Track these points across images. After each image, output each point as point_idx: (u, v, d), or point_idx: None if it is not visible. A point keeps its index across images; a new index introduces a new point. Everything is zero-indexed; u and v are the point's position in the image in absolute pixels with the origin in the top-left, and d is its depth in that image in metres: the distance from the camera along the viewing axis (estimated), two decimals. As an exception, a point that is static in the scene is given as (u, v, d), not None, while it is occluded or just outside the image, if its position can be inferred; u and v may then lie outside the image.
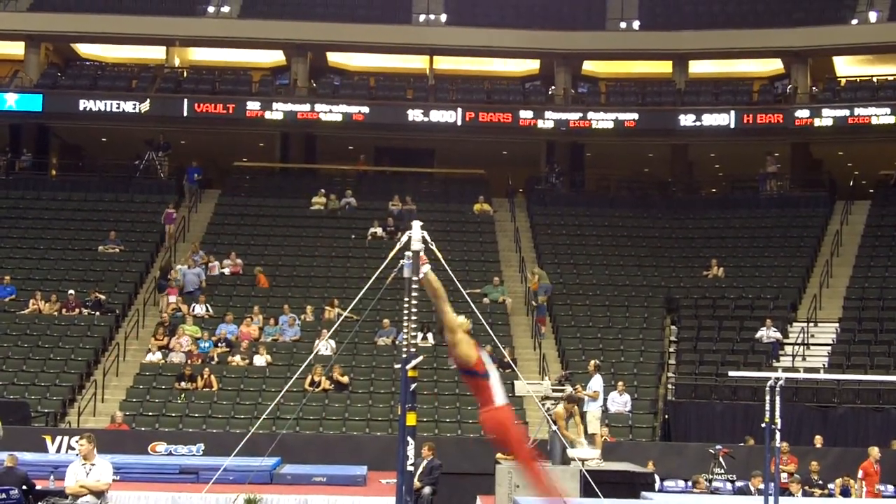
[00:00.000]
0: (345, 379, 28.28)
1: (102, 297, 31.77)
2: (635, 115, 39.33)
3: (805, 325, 31.43)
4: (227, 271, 33.81)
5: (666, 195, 41.07)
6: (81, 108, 38.78)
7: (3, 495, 17.91)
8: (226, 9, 41.70)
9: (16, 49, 41.73)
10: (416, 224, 8.63)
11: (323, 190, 38.02)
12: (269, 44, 41.98)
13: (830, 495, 22.21)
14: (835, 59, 41.97)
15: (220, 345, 29.93)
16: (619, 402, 27.20)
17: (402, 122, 39.09)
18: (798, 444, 24.62)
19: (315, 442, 25.00)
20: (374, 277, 9.18)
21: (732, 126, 38.79)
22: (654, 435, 27.54)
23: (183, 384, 28.04)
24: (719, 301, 33.27)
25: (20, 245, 35.08)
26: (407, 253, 8.60)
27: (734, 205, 39.08)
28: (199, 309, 31.49)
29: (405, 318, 8.48)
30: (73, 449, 22.94)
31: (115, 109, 38.78)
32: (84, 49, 43.54)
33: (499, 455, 21.38)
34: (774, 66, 42.45)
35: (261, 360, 29.15)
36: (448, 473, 21.50)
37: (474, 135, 39.63)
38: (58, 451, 23.77)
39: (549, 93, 41.40)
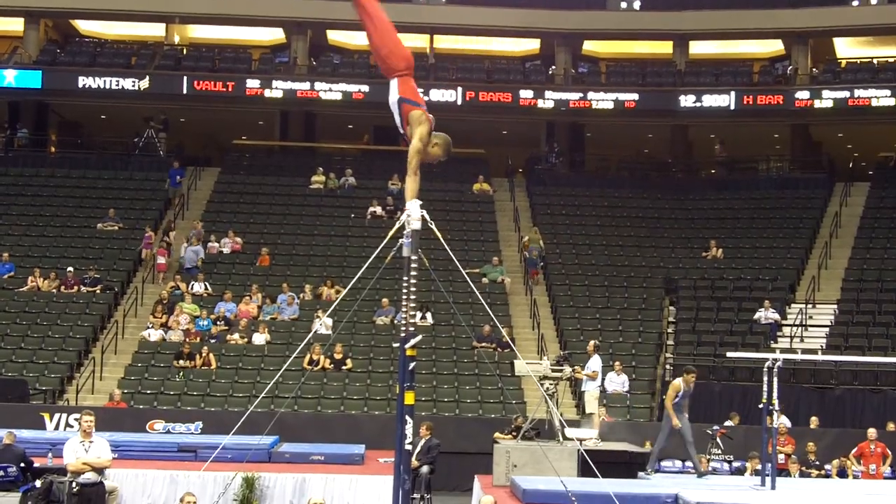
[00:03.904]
0: (349, 363, 28.27)
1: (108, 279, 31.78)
2: (635, 96, 39.33)
3: (803, 306, 31.46)
4: (226, 249, 33.81)
5: (665, 176, 41.07)
6: (81, 84, 38.73)
7: (2, 472, 17.97)
8: (225, -14, 41.62)
9: (15, 25, 41.65)
10: (416, 203, 8.60)
11: (321, 168, 38.01)
12: (269, 21, 41.90)
13: (827, 476, 22.25)
14: (835, 40, 41.96)
15: (218, 323, 29.95)
16: (617, 382, 27.19)
17: (402, 101, 38.92)
18: (796, 424, 24.63)
19: (313, 420, 25.00)
20: (373, 256, 9.15)
21: (732, 107, 38.80)
22: (651, 415, 27.55)
23: (181, 362, 28.05)
24: (718, 282, 33.30)
25: (18, 222, 35.05)
26: (406, 232, 8.57)
27: (733, 186, 39.07)
28: (198, 287, 31.50)
29: (404, 297, 8.45)
30: (72, 426, 22.94)
31: (114, 86, 38.74)
32: (84, 26, 43.47)
33: (497, 434, 21.45)
34: (775, 47, 42.41)
35: (259, 338, 29.16)
36: (446, 453, 21.54)
37: (474, 114, 39.57)
38: (56, 428, 23.75)
39: (550, 72, 41.37)
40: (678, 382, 18.22)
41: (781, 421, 23.99)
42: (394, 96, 9.55)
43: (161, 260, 32.59)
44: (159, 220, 35.52)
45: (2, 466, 18.14)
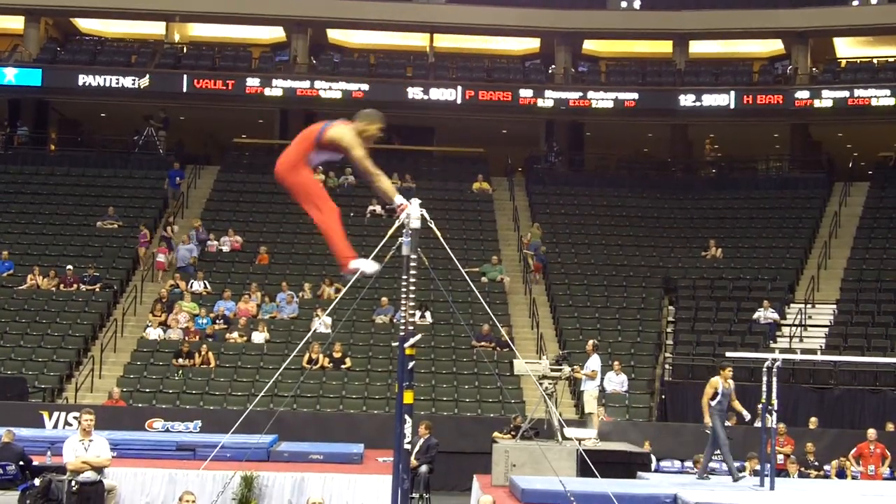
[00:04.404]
0: (348, 362, 28.27)
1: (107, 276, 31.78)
2: (635, 95, 39.31)
3: (802, 306, 31.47)
4: (225, 248, 33.81)
5: (665, 175, 41.07)
6: (81, 83, 38.74)
7: (0, 471, 17.95)
8: (226, -16, 41.59)
9: (15, 23, 41.65)
10: (415, 202, 8.60)
11: (320, 167, 37.91)
12: (269, 20, 41.90)
13: (826, 477, 22.25)
14: (835, 40, 41.95)
15: (217, 322, 29.93)
16: (616, 381, 27.18)
17: (402, 100, 39.00)
18: (795, 425, 24.64)
19: (312, 420, 25.00)
20: (372, 255, 9.15)
21: (732, 107, 38.79)
22: (650, 415, 27.59)
23: (180, 361, 28.04)
24: (717, 282, 33.30)
25: (18, 220, 35.05)
26: (405, 231, 8.58)
27: (733, 185, 39.09)
28: (197, 285, 31.50)
29: (403, 296, 8.45)
30: (71, 425, 22.95)
31: (114, 85, 38.76)
32: (84, 24, 43.45)
33: (495, 434, 21.45)
34: (775, 46, 42.41)
35: (259, 337, 29.15)
36: (445, 452, 21.54)
37: (474, 113, 39.58)
38: (55, 426, 23.74)
39: (549, 72, 41.36)
40: (715, 380, 17.92)
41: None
42: (318, 155, 9.42)
43: (161, 258, 32.65)
44: (158, 219, 35.52)
45: (1, 465, 18.13)
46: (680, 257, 35.00)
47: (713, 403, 17.68)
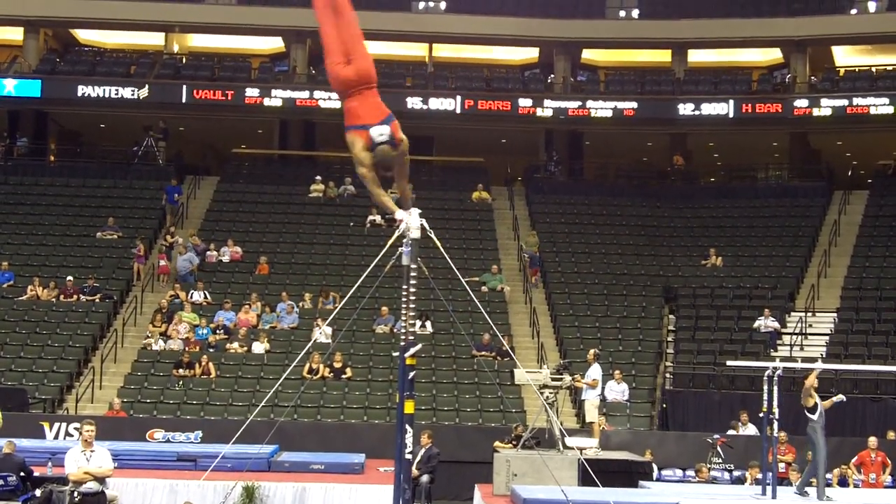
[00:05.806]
0: (348, 372, 28.24)
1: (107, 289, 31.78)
2: (634, 104, 39.33)
3: (803, 314, 31.45)
4: (225, 258, 33.80)
5: (664, 184, 41.07)
6: (80, 93, 38.73)
7: (1, 482, 17.92)
8: (225, -5, 41.64)
9: (14, 34, 41.70)
10: (415, 212, 8.62)
11: (319, 177, 38.00)
12: (269, 30, 41.94)
13: (828, 485, 22.20)
14: (834, 48, 41.98)
15: (218, 332, 29.91)
16: (617, 390, 27.18)
17: (401, 110, 38.85)
18: (796, 433, 24.57)
19: (313, 429, 24.99)
20: (372, 265, 9.16)
21: (731, 115, 38.81)
22: (651, 424, 27.54)
23: (181, 371, 28.02)
24: (717, 290, 33.28)
25: (18, 231, 35.04)
26: (405, 240, 8.59)
27: (732, 194, 39.10)
28: (197, 296, 31.49)
29: (403, 306, 8.46)
30: (72, 435, 22.94)
31: (113, 95, 38.76)
32: (83, 35, 43.49)
33: (497, 443, 21.45)
34: (774, 55, 42.46)
35: (259, 347, 29.13)
36: (446, 462, 21.53)
37: (473, 123, 39.60)
38: (56, 437, 23.74)
39: (549, 81, 41.40)
40: (809, 387, 17.72)
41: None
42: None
43: (163, 262, 32.71)
44: (158, 230, 35.50)
45: (1, 476, 18.10)
46: (680, 266, 35.00)
47: (814, 417, 17.47)
